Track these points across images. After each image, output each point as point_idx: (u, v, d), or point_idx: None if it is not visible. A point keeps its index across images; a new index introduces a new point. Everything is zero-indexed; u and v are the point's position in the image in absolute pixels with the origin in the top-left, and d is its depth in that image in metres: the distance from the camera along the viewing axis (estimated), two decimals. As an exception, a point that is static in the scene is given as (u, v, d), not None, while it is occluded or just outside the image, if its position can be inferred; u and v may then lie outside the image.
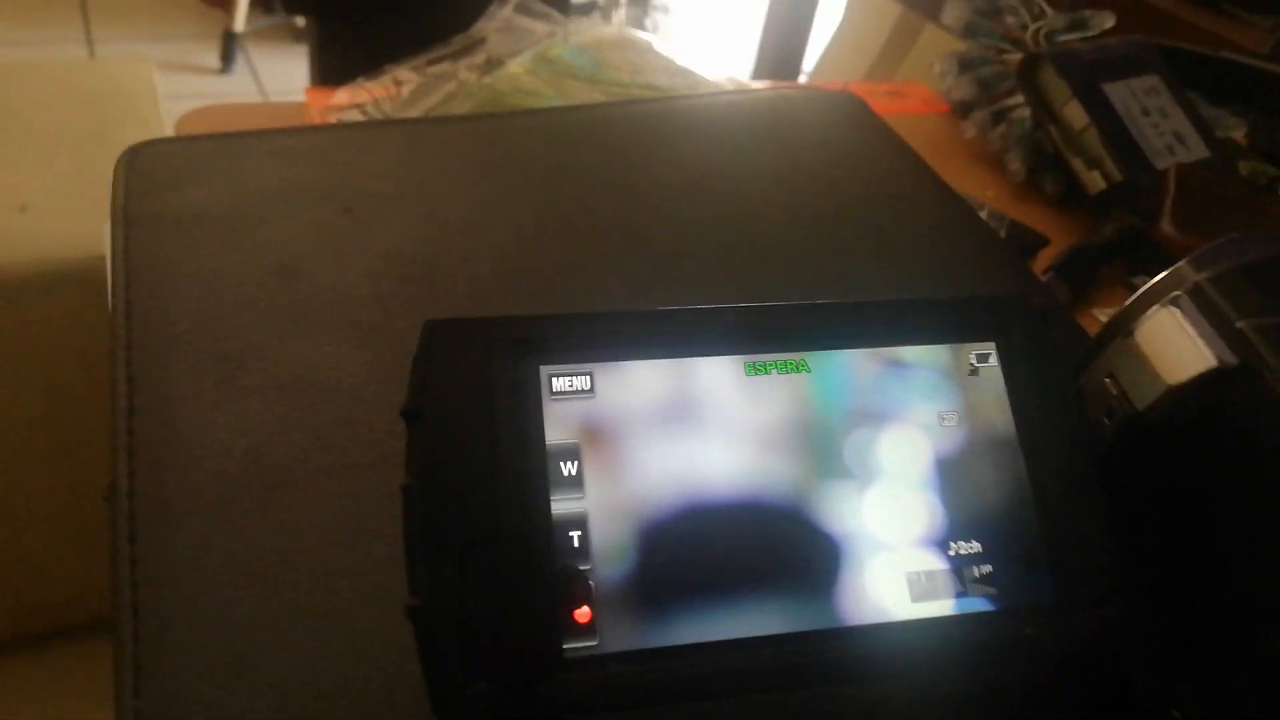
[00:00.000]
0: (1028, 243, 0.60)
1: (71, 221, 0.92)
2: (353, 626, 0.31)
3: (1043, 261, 0.61)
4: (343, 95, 0.59)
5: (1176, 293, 0.28)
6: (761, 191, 0.52)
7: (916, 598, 0.27)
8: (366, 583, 0.32)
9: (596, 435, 0.27)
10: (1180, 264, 0.29)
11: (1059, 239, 0.66)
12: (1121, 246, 0.60)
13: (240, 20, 1.92)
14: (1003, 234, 0.61)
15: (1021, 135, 0.71)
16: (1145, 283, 0.29)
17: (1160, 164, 0.64)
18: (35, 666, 1.01)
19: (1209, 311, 0.27)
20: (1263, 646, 0.26)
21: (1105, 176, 0.65)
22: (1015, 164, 0.71)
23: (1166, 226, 0.56)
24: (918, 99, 0.86)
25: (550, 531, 0.26)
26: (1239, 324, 0.27)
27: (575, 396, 0.27)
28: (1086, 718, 0.32)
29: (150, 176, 0.47)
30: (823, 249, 0.49)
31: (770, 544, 0.27)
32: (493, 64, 0.61)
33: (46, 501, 0.94)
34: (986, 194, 0.70)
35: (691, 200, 0.51)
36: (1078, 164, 0.66)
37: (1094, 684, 0.33)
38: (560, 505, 0.26)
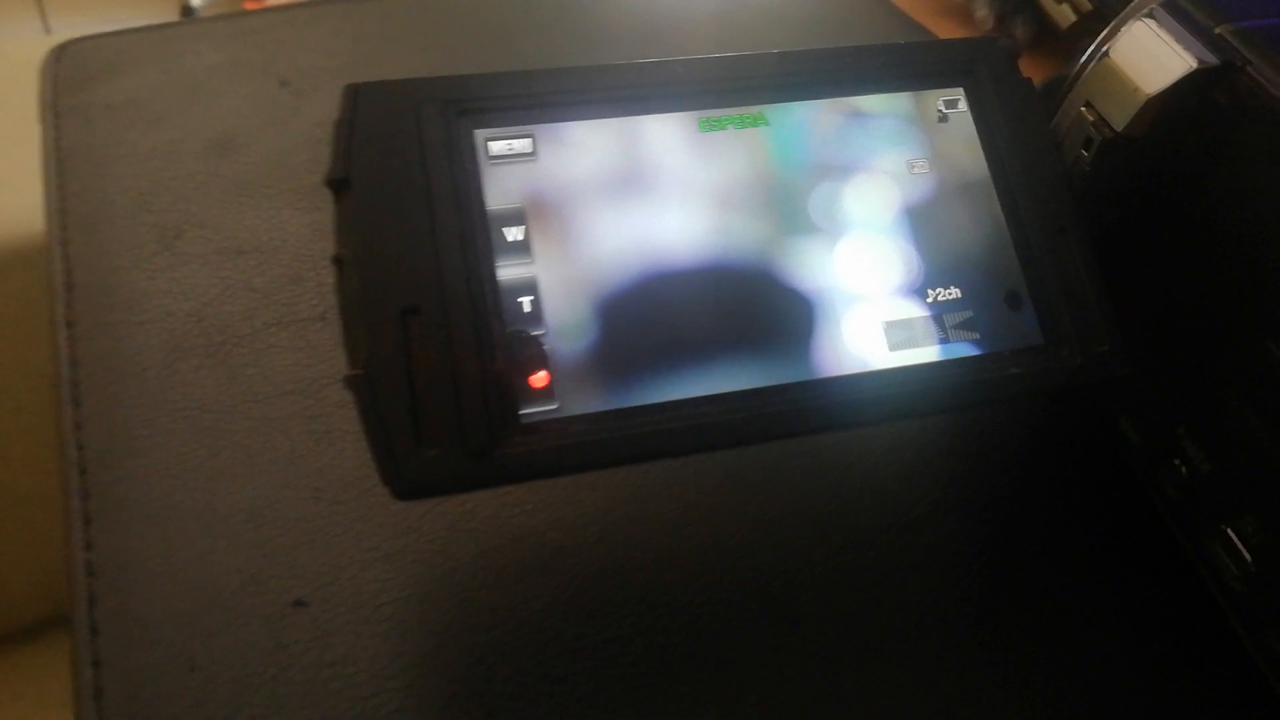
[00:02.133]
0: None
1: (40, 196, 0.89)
2: (311, 466, 0.30)
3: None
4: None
5: (1151, 6, 0.26)
6: (711, 35, 0.50)
7: (895, 346, 0.25)
8: (323, 425, 0.31)
9: (542, 199, 0.25)
10: (1152, -15, 0.27)
11: (1033, 78, 0.64)
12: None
13: (197, -7, 1.86)
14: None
15: (987, -21, 0.68)
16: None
17: (1131, -11, 0.62)
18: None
19: (1185, 21, 0.26)
20: (1272, 367, 0.24)
21: (1074, 8, 0.63)
22: (982, 10, 0.69)
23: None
24: (880, -36, 0.83)
25: (498, 296, 0.24)
26: (1217, 30, 0.25)
27: (516, 160, 0.25)
28: (1080, 474, 0.31)
29: (79, 69, 0.45)
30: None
31: (736, 302, 0.25)
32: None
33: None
34: (955, 42, 0.67)
35: (646, 45, 0.48)
36: (1045, 0, 0.64)
37: (1086, 443, 0.32)
38: (507, 270, 0.24)
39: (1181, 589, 0.29)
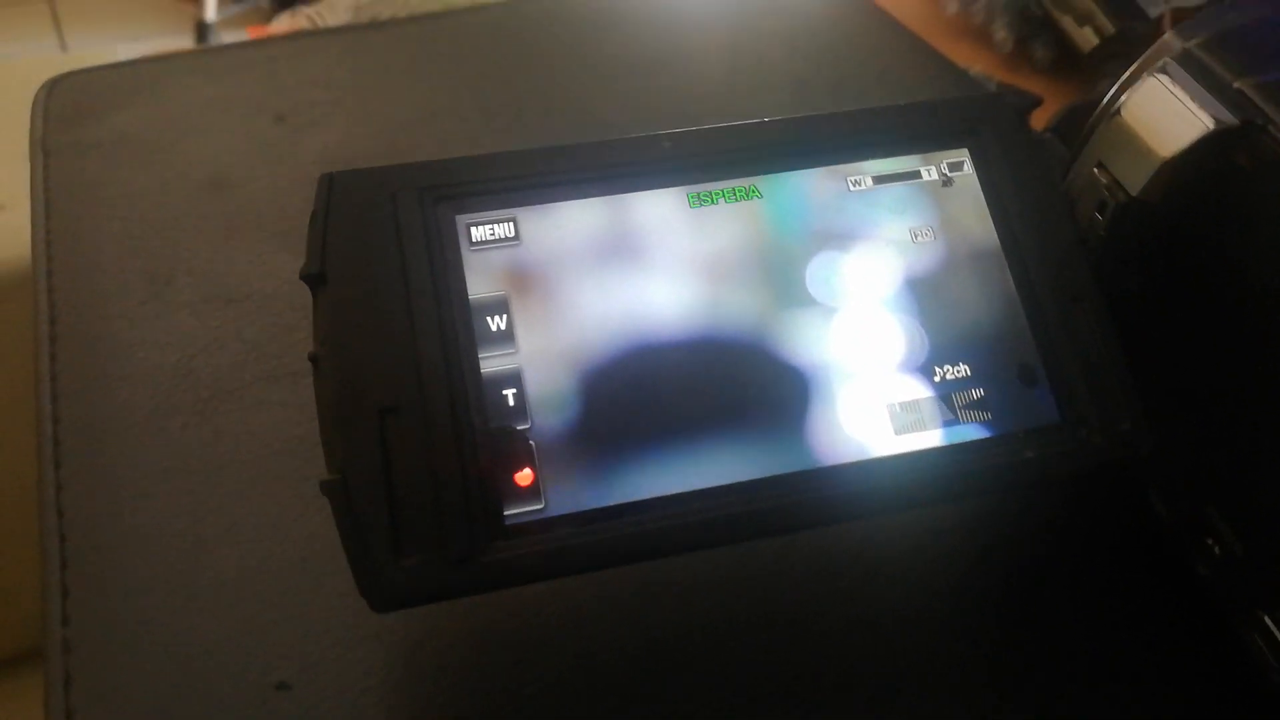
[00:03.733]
0: (1019, 103, 0.56)
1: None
2: (298, 532, 0.29)
3: (1037, 123, 0.58)
4: (281, 21, 0.56)
5: (1164, 60, 0.25)
6: (723, 61, 0.49)
7: (900, 430, 0.24)
8: (311, 488, 0.29)
9: (526, 285, 0.24)
10: (1164, 35, 0.26)
11: (1054, 103, 0.62)
12: (1120, 98, 0.56)
13: (211, 10, 1.88)
14: (991, 97, 0.57)
15: (1007, 2, 0.67)
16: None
17: (1154, 11, 0.60)
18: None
19: (1201, 75, 0.24)
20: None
21: (1097, 31, 0.61)
22: (1002, 33, 0.67)
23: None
24: (897, -14, 0.81)
25: (481, 391, 0.23)
26: (1236, 84, 0.23)
27: (498, 245, 0.24)
28: (1107, 553, 0.30)
29: (70, 105, 0.45)
30: (792, 112, 0.46)
31: (731, 386, 0.24)
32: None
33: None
34: (974, 67, 0.66)
35: (651, 78, 0.47)
36: (1067, 22, 0.62)
37: (1111, 514, 0.30)
38: (490, 363, 0.23)
39: (1223, 669, 0.27)
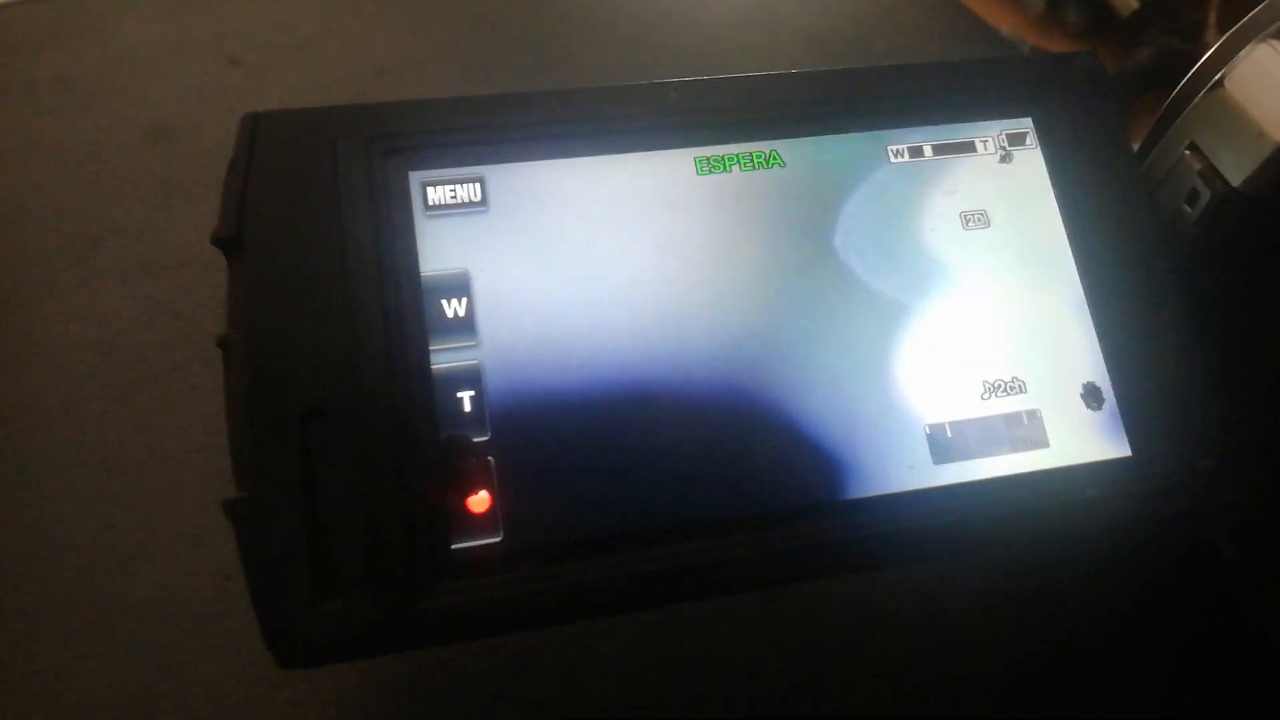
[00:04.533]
0: (1093, 65, 0.52)
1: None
2: (222, 543, 0.25)
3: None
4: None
5: (1278, 23, 0.20)
6: (737, 16, 0.44)
7: (941, 458, 0.20)
8: None
9: (492, 262, 0.20)
10: (1281, -7, 0.21)
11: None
12: (1161, 72, 0.51)
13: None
14: (1023, 64, 0.52)
15: (1038, -39, 0.62)
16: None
17: (1202, -24, 0.55)
18: None
19: (1331, 42, 0.20)
20: None
21: (1138, -5, 0.56)
22: (1032, -5, 0.62)
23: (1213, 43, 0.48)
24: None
25: (430, 392, 0.19)
26: (1376, 54, 0.19)
27: (461, 210, 0.20)
28: (1167, 605, 0.26)
29: (6, 39, 0.40)
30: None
31: (737, 402, 0.20)
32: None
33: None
34: (1003, 28, 0.61)
35: (653, 30, 0.43)
36: (1105, -15, 0.58)
37: (1173, 557, 0.26)
38: (444, 357, 0.19)
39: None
